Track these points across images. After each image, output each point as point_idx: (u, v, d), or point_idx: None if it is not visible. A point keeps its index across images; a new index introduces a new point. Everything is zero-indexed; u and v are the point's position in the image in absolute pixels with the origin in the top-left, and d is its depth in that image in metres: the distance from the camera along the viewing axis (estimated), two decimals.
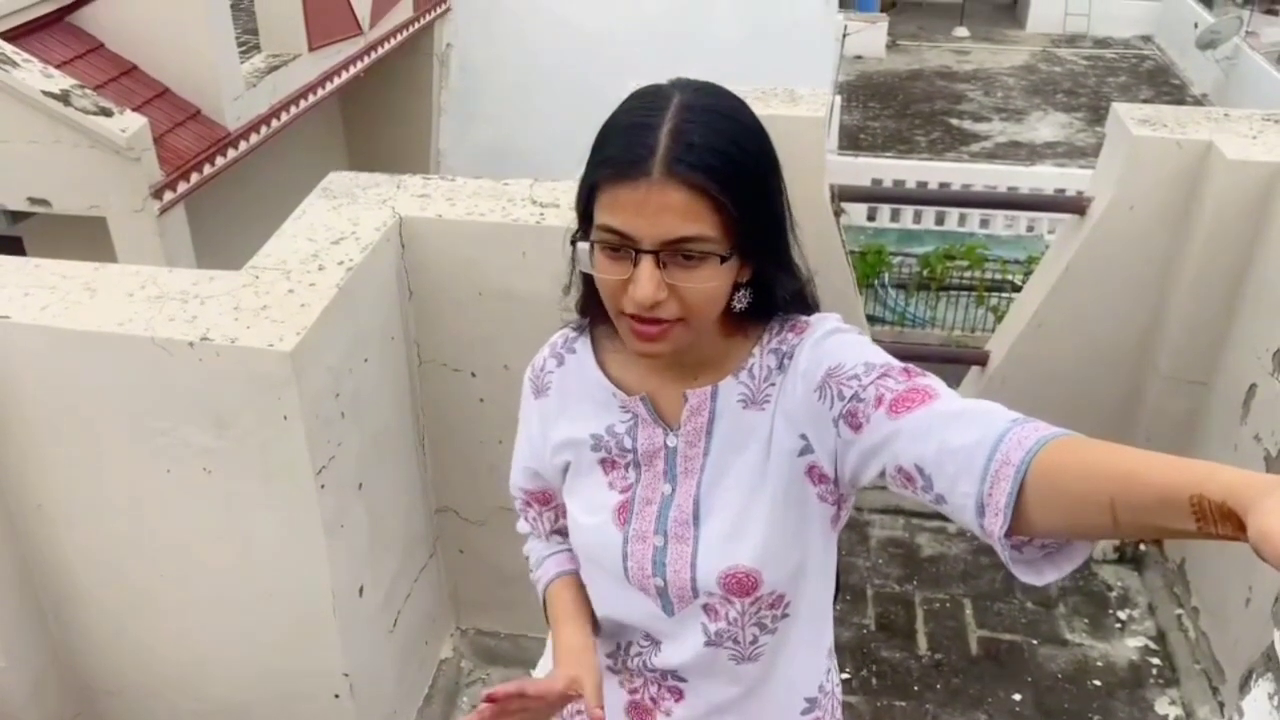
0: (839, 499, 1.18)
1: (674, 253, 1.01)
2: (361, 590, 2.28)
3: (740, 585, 1.17)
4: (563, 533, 1.37)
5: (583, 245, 1.06)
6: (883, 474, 1.04)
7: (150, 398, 1.99)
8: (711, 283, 1.04)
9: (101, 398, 2.02)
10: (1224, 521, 0.73)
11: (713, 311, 1.08)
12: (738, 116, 1.05)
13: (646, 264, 1.01)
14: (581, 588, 1.32)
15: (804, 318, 1.18)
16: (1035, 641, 2.90)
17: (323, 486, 2.04)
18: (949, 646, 2.88)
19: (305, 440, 1.96)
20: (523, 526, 1.43)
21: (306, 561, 2.12)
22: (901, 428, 1.00)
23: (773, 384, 1.15)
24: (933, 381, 1.04)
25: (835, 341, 1.12)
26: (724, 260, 1.03)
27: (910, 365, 1.07)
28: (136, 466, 2.07)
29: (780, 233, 1.11)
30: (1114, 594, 3.05)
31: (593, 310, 1.20)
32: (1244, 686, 1.72)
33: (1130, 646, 2.89)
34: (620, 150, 1.02)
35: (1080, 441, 0.89)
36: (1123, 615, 2.99)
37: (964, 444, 0.94)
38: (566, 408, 1.25)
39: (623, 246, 1.02)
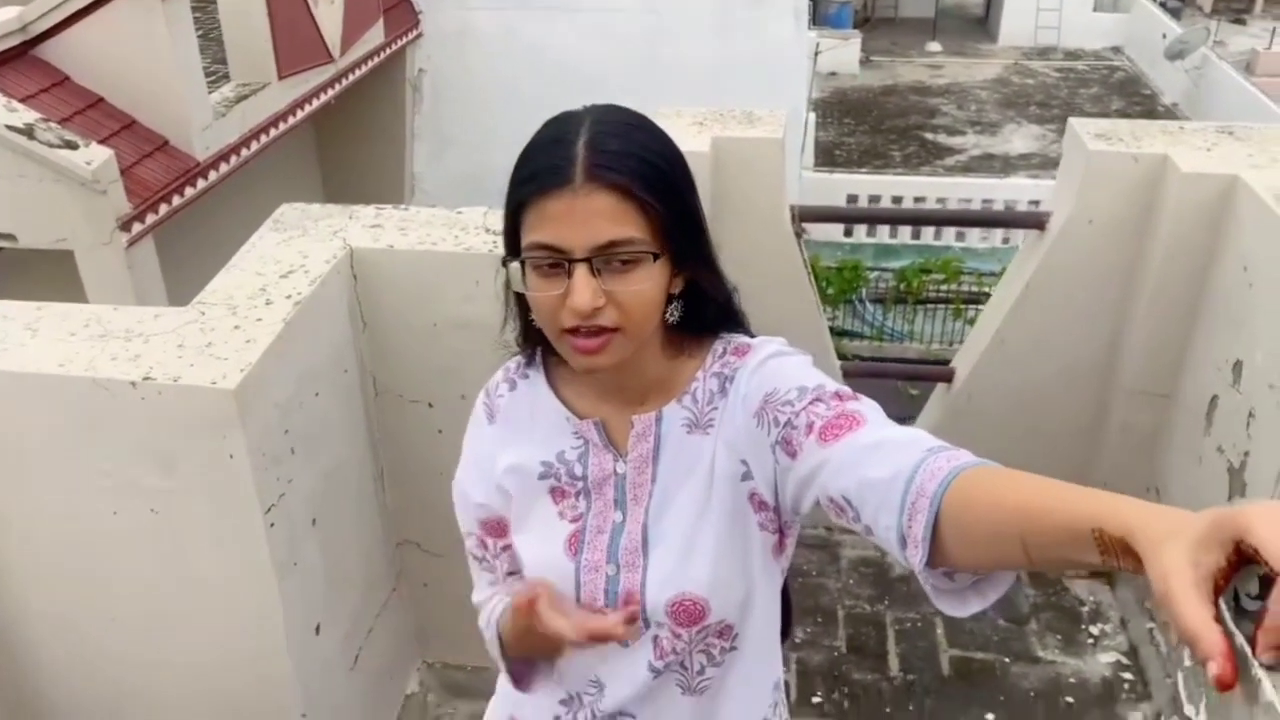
0: (780, 528, 1.17)
1: (607, 258, 1.02)
2: (318, 629, 2.24)
3: (688, 614, 1.15)
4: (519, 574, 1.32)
5: (514, 267, 1.06)
6: (819, 503, 1.03)
7: (93, 439, 1.95)
8: (646, 284, 1.04)
9: (43, 440, 1.98)
10: (1125, 556, 0.71)
11: (650, 318, 1.08)
12: (647, 126, 1.09)
13: (581, 272, 1.01)
14: None
15: (748, 340, 1.17)
16: (1007, 660, 2.87)
17: (272, 525, 2.00)
18: (921, 667, 2.86)
19: (252, 478, 1.93)
20: (477, 596, 1.37)
21: (259, 602, 2.07)
22: (829, 456, 1.00)
23: (715, 408, 1.14)
24: (862, 406, 1.03)
25: (774, 365, 1.12)
26: (656, 258, 1.04)
27: (843, 388, 1.06)
28: (82, 509, 2.03)
29: (703, 235, 1.12)
30: (1086, 609, 3.04)
31: (536, 337, 1.19)
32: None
33: (1102, 662, 2.87)
34: (542, 165, 1.04)
35: (991, 473, 0.89)
36: (1095, 631, 2.97)
37: (882, 476, 0.93)
38: (516, 433, 1.24)
39: (555, 261, 1.02)
